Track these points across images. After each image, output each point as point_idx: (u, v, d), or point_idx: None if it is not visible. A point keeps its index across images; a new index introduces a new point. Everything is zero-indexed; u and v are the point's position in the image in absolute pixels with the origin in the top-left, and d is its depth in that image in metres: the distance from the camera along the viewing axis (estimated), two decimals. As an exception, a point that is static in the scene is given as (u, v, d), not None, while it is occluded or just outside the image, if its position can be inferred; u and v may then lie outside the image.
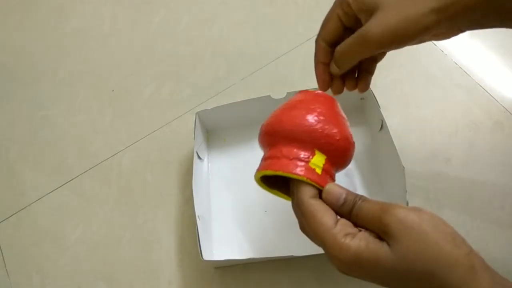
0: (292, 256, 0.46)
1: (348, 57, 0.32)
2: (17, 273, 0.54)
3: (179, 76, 0.69)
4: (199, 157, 0.55)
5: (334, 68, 0.34)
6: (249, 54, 0.70)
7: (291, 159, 0.30)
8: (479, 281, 0.23)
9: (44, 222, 0.58)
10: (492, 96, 0.60)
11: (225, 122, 0.60)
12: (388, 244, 0.25)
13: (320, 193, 0.30)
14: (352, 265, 0.26)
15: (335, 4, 0.32)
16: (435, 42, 0.66)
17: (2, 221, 0.59)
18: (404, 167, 0.47)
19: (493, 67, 0.63)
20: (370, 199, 0.29)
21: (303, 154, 0.30)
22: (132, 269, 0.53)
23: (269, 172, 0.32)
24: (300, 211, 0.30)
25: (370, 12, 0.28)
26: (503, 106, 0.59)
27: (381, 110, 0.51)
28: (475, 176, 0.54)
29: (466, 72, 0.63)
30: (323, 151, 0.31)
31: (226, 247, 0.52)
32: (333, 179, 0.32)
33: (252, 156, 0.59)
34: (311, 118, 0.31)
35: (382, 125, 0.52)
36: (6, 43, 0.79)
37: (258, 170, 0.33)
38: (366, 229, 0.27)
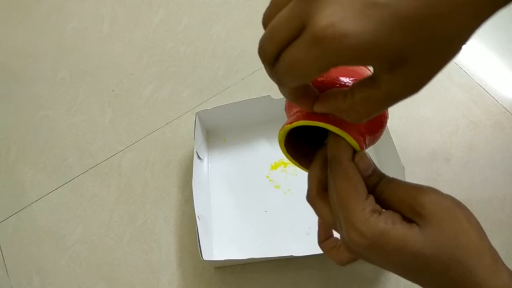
0: (292, 256, 0.46)
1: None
2: (17, 273, 0.54)
3: (179, 76, 0.69)
4: (199, 157, 0.55)
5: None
6: (249, 54, 0.70)
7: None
8: (501, 274, 0.23)
9: (44, 222, 0.58)
10: (492, 96, 0.60)
11: (225, 122, 0.60)
12: (419, 225, 0.24)
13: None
14: (374, 244, 0.24)
15: (316, 66, 0.20)
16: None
17: (2, 221, 0.59)
18: (404, 167, 0.47)
19: (493, 67, 0.63)
20: (395, 178, 0.27)
21: None
22: (132, 269, 0.53)
23: (306, 123, 0.26)
24: (334, 170, 0.26)
25: (393, 68, 0.21)
26: (503, 106, 0.59)
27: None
28: (475, 176, 0.54)
29: (466, 72, 0.63)
30: None
31: (226, 247, 0.52)
32: (363, 139, 0.29)
33: (252, 156, 0.59)
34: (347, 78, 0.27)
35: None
36: (6, 43, 0.79)
37: (288, 122, 0.27)
38: (388, 208, 0.26)
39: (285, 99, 0.29)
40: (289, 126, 0.28)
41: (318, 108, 0.25)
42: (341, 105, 0.23)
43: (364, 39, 0.19)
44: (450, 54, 0.21)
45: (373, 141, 0.30)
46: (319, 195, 0.28)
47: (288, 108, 0.31)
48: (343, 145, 0.27)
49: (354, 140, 0.26)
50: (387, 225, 0.24)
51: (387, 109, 0.23)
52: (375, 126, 0.29)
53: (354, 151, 0.27)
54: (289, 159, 0.31)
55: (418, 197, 0.24)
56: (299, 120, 0.27)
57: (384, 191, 0.26)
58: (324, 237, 0.31)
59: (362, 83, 0.22)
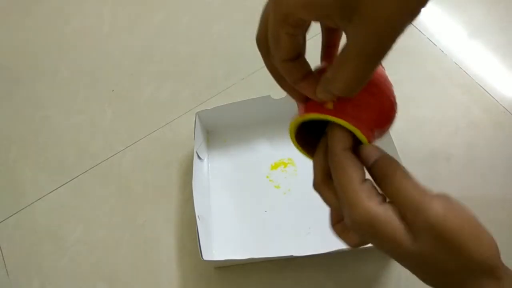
0: (292, 256, 0.46)
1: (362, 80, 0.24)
2: (17, 273, 0.54)
3: (179, 76, 0.69)
4: (199, 157, 0.55)
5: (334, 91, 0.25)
6: (249, 54, 0.70)
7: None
8: (499, 272, 0.23)
9: (44, 222, 0.58)
10: (492, 96, 0.60)
11: (225, 122, 0.60)
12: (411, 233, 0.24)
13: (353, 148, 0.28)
14: (368, 226, 0.24)
15: (276, 23, 0.23)
16: (435, 42, 0.66)
17: (2, 221, 0.59)
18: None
19: (493, 67, 0.63)
20: (407, 173, 0.26)
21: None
22: (132, 269, 0.53)
23: (303, 118, 0.28)
24: (330, 159, 0.27)
25: (349, 17, 0.21)
26: (503, 106, 0.59)
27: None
28: (475, 176, 0.54)
29: (466, 72, 0.63)
30: (369, 106, 0.28)
31: (226, 247, 0.52)
32: (371, 132, 0.29)
33: (252, 156, 0.59)
34: None
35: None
36: (6, 43, 0.79)
37: (300, 114, 0.29)
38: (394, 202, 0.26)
39: (286, 99, 0.30)
40: (301, 118, 0.29)
41: (319, 91, 0.26)
42: (328, 75, 0.24)
43: None
44: None
45: (381, 135, 0.30)
46: (324, 182, 0.29)
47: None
48: (338, 135, 0.27)
49: (363, 134, 0.27)
50: (379, 210, 0.24)
51: (369, 72, 0.23)
52: (383, 121, 0.30)
53: (358, 142, 0.27)
54: (299, 150, 0.32)
55: (414, 213, 0.24)
56: (309, 113, 0.28)
57: (389, 185, 0.26)
58: (335, 220, 0.31)
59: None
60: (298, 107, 0.31)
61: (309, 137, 0.32)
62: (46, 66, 0.74)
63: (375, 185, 0.26)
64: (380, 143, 0.33)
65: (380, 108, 0.29)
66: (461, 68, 0.63)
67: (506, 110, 0.59)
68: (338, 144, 0.27)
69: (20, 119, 0.68)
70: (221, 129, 0.61)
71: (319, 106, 0.28)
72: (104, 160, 0.62)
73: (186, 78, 0.69)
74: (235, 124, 0.60)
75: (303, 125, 0.30)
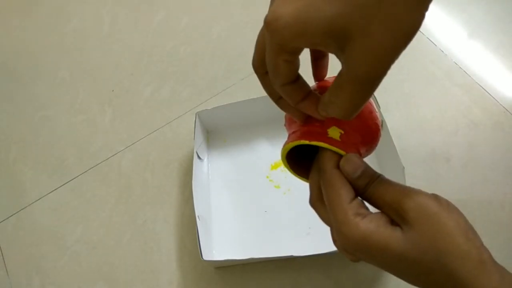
0: (292, 256, 0.46)
1: (358, 106, 0.24)
2: (17, 273, 0.54)
3: (179, 76, 0.69)
4: (199, 157, 0.55)
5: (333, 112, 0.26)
6: (249, 54, 0.69)
7: (312, 130, 0.30)
8: (488, 276, 0.23)
9: (44, 222, 0.58)
10: (492, 96, 0.60)
11: (225, 122, 0.60)
12: (402, 229, 0.25)
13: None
14: (359, 246, 0.25)
15: (273, 52, 0.23)
16: (435, 42, 0.66)
17: (2, 221, 0.59)
18: (404, 167, 0.47)
19: (493, 67, 0.63)
20: (389, 179, 0.27)
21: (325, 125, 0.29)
22: (132, 269, 0.53)
23: (292, 144, 0.30)
24: (322, 178, 0.28)
25: (342, 46, 0.21)
26: (503, 106, 0.59)
27: (381, 110, 0.51)
28: (475, 176, 0.54)
29: (466, 72, 0.63)
30: (351, 127, 0.30)
31: (226, 247, 0.52)
32: (359, 153, 0.30)
33: (252, 156, 0.59)
34: None
35: (382, 125, 0.52)
36: (6, 43, 0.79)
37: (289, 141, 0.31)
38: (380, 210, 0.27)
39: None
40: (292, 144, 0.30)
41: (320, 109, 0.26)
42: (325, 100, 0.25)
43: (294, 17, 0.21)
44: (393, 21, 0.19)
45: (368, 152, 0.32)
46: (319, 199, 0.29)
47: (288, 125, 0.33)
48: (327, 155, 0.28)
49: (334, 147, 0.28)
50: (369, 228, 0.25)
51: (364, 98, 0.23)
52: (370, 141, 0.31)
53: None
54: (293, 174, 0.33)
55: (402, 202, 0.25)
56: (299, 139, 0.29)
57: (375, 193, 0.27)
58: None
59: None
60: (287, 132, 0.33)
61: (303, 160, 0.33)
62: (46, 66, 0.74)
63: (362, 201, 0.27)
64: (380, 143, 0.33)
65: (366, 129, 0.30)
66: (461, 68, 0.63)
67: (506, 110, 0.59)
68: (329, 162, 0.28)
69: (20, 119, 0.68)
70: (221, 129, 0.61)
71: (307, 133, 0.29)
72: (104, 160, 0.62)
73: (186, 78, 0.69)
74: (235, 124, 0.60)
75: (296, 150, 0.31)
